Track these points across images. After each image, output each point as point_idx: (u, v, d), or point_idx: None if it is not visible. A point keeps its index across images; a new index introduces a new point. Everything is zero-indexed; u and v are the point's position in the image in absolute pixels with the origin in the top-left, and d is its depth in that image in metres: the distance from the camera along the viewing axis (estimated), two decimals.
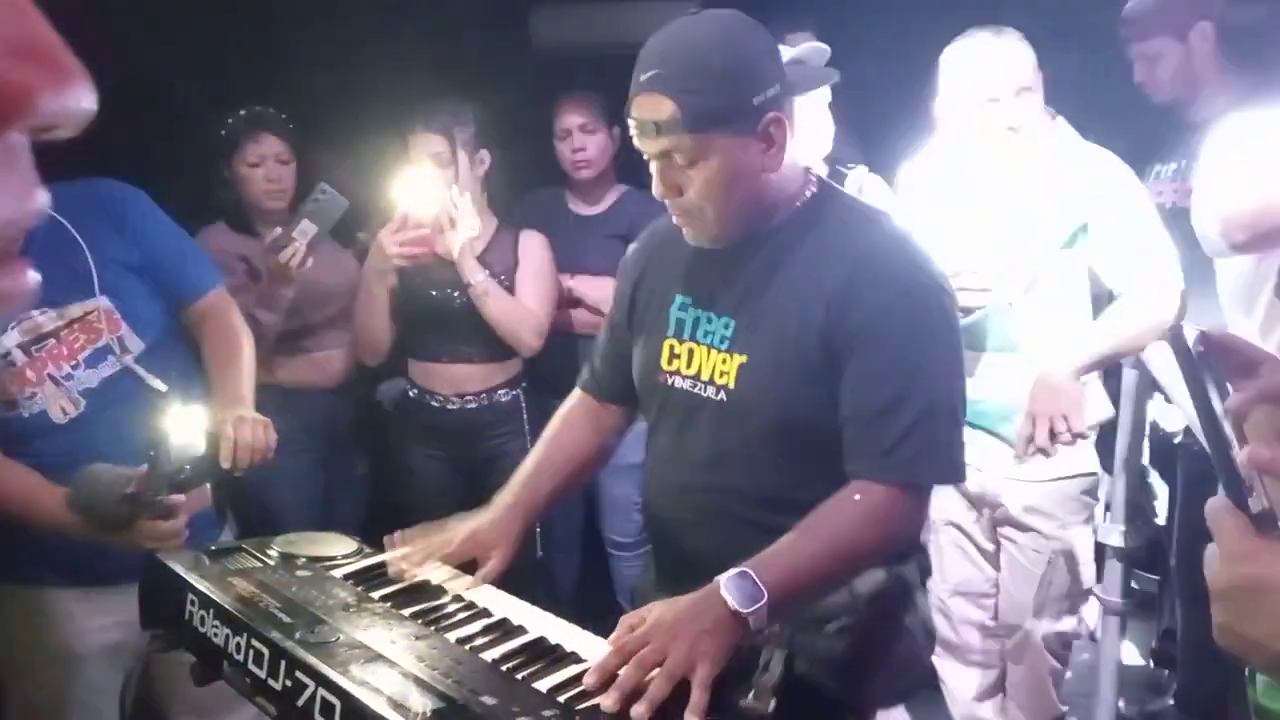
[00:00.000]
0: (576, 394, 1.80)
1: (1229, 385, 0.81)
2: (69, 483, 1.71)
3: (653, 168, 1.48)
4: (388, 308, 2.70)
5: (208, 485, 1.88)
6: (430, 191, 2.57)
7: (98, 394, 1.89)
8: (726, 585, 1.27)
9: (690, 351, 1.55)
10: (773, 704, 1.19)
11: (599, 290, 2.91)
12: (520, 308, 2.71)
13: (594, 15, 3.95)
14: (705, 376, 1.53)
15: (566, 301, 2.92)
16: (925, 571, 1.65)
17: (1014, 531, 2.42)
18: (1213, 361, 0.82)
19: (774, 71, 1.44)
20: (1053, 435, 2.14)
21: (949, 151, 2.39)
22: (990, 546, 2.47)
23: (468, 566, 1.56)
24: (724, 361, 1.51)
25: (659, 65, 1.40)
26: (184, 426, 1.66)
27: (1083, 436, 2.17)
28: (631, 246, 1.77)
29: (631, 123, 1.45)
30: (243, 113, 2.70)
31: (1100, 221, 2.20)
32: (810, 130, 2.08)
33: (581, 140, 2.95)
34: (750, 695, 1.24)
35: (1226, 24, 2.38)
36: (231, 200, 2.71)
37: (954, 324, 1.52)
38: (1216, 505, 0.78)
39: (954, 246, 2.25)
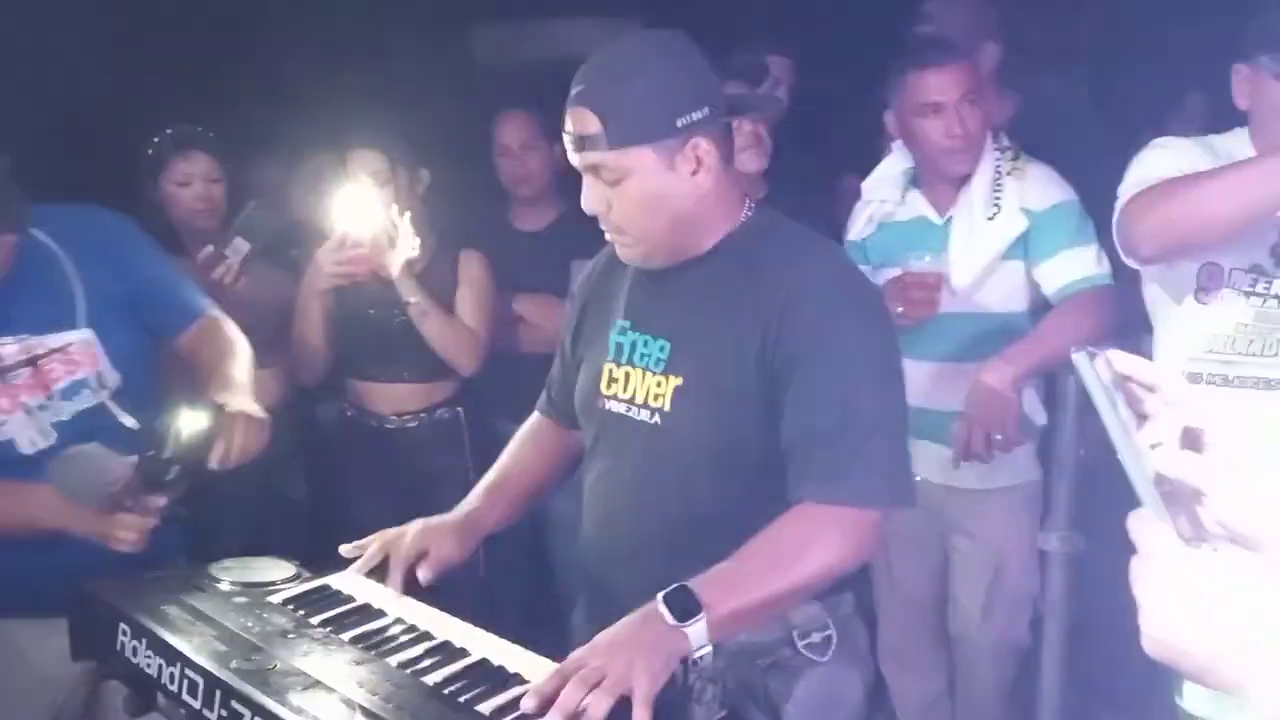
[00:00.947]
0: (535, 415, 1.79)
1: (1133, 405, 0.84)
2: (56, 458, 1.65)
3: (584, 183, 1.49)
4: (324, 327, 2.67)
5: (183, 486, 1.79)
6: (369, 210, 2.55)
7: (69, 427, 1.82)
8: (665, 600, 1.26)
9: (627, 375, 1.54)
10: None
11: (541, 308, 2.90)
12: (459, 328, 2.69)
13: (534, 32, 3.96)
14: (640, 400, 1.52)
15: (509, 320, 2.90)
16: (861, 605, 1.61)
17: (960, 539, 2.45)
18: (1119, 380, 0.84)
19: (703, 93, 1.44)
20: (988, 442, 2.16)
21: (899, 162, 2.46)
22: (938, 555, 2.50)
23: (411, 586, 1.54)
24: (659, 384, 1.50)
25: (585, 81, 1.43)
26: (189, 428, 1.61)
27: (1018, 444, 2.19)
28: (582, 271, 1.76)
29: (565, 137, 1.47)
30: (169, 131, 2.65)
31: (1038, 231, 2.25)
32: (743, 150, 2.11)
33: (522, 157, 2.94)
34: None
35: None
36: (160, 220, 2.65)
37: (893, 345, 1.52)
38: (1139, 517, 0.80)
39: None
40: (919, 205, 2.39)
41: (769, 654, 1.45)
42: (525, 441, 1.76)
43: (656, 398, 1.50)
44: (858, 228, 2.46)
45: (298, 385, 2.80)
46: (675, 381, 1.48)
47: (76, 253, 1.85)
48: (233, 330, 2.04)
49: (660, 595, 1.27)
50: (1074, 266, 2.20)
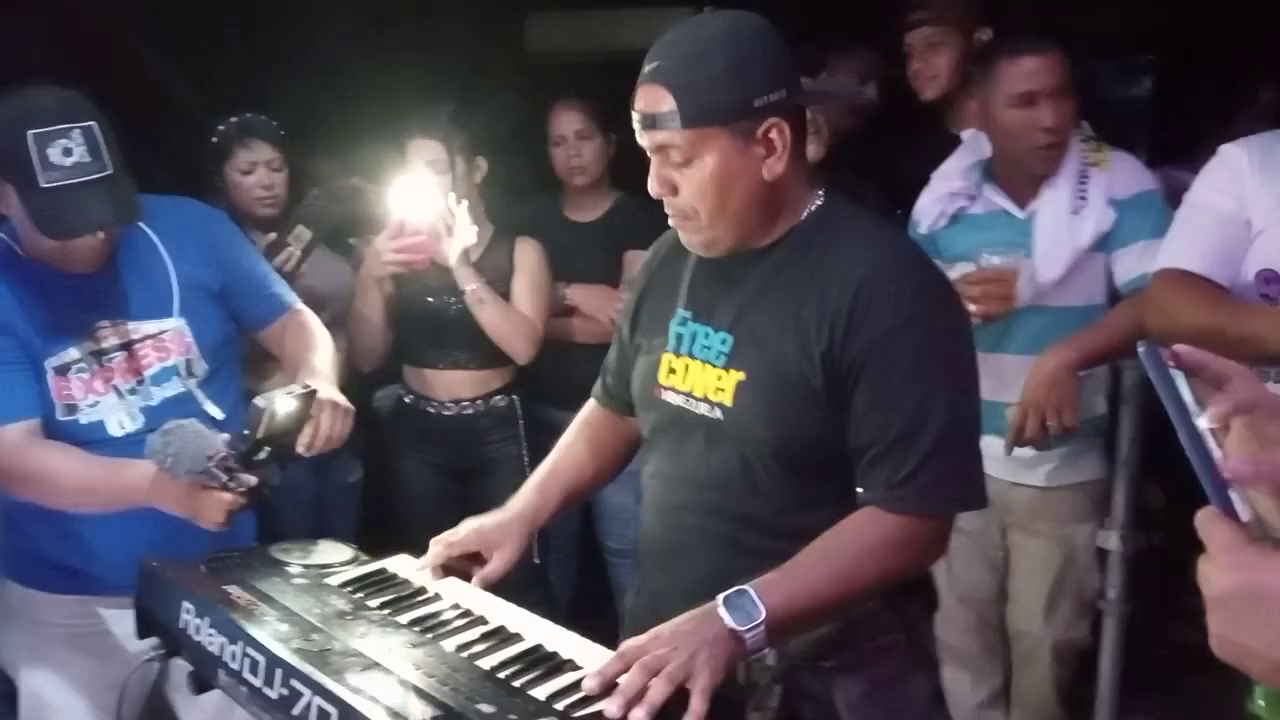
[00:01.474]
0: (591, 404, 1.77)
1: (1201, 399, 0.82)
2: (156, 431, 1.67)
3: (651, 164, 1.44)
4: (383, 314, 2.70)
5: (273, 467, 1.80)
6: (427, 198, 2.57)
7: (157, 412, 1.87)
8: (725, 602, 1.25)
9: (686, 367, 1.50)
10: None
11: (594, 298, 2.91)
12: (515, 315, 2.71)
13: (589, 22, 3.96)
14: (700, 394, 1.48)
15: (562, 310, 2.92)
16: (930, 606, 1.61)
17: (1024, 537, 2.41)
18: (1187, 376, 0.83)
19: (780, 76, 1.39)
20: (1043, 429, 2.13)
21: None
22: (999, 553, 2.46)
23: (467, 574, 1.56)
24: (719, 379, 1.46)
25: (662, 58, 1.39)
26: (284, 410, 1.63)
27: (1072, 431, 2.15)
28: (637, 254, 1.74)
29: (634, 116, 1.42)
30: (234, 120, 2.70)
31: (1119, 220, 2.22)
32: None
33: (576, 147, 2.95)
34: None
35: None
36: (223, 207, 2.70)
37: (967, 343, 1.47)
38: (1206, 515, 0.78)
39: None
40: (997, 199, 2.33)
41: (835, 656, 1.43)
42: (578, 435, 1.74)
43: (717, 392, 1.45)
44: (929, 220, 2.40)
45: (355, 371, 2.84)
46: (738, 376, 1.44)
47: (174, 243, 1.91)
48: (316, 324, 2.08)
49: (720, 598, 1.26)
50: (1149, 259, 2.11)
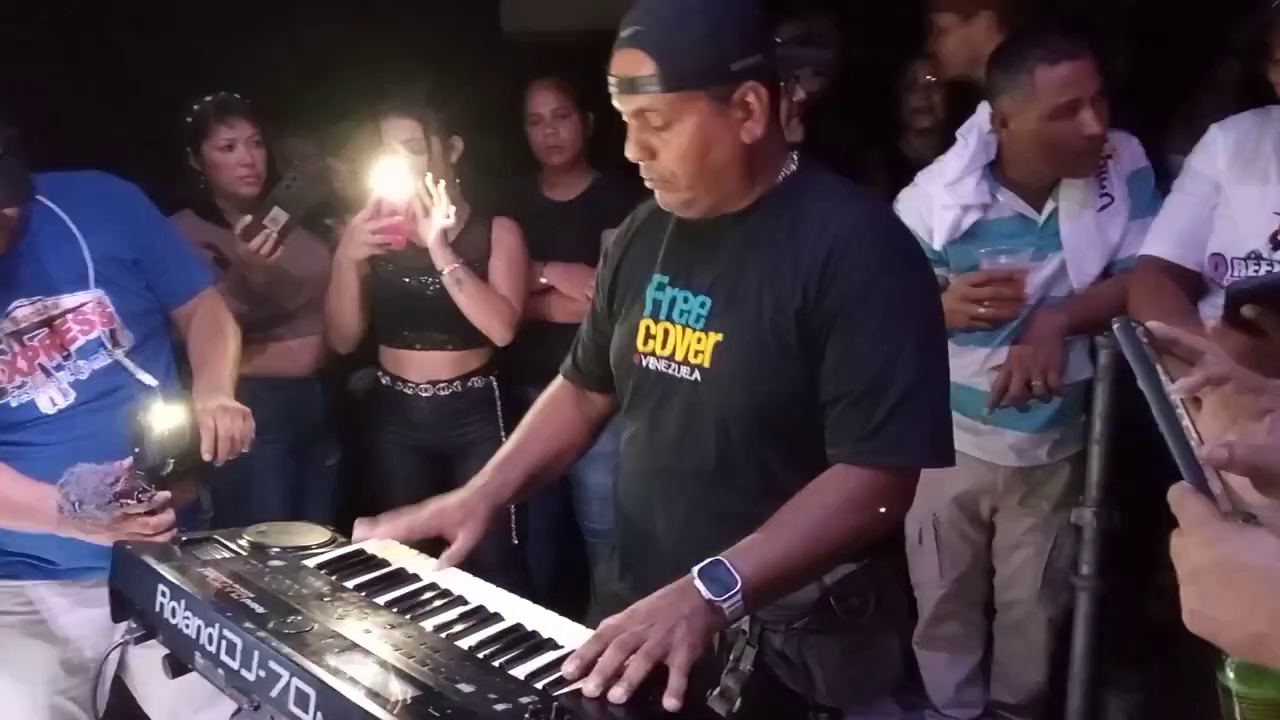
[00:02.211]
0: (559, 381, 1.78)
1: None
2: (56, 485, 1.70)
3: (628, 129, 1.45)
4: (360, 296, 2.68)
5: (191, 479, 1.87)
6: (405, 178, 2.56)
7: (87, 385, 1.88)
8: (700, 574, 1.26)
9: (666, 332, 1.52)
10: (738, 703, 1.20)
11: (572, 277, 2.90)
12: (493, 296, 2.70)
13: (564, 0, 3.92)
14: (680, 356, 1.50)
15: (540, 289, 2.91)
16: (897, 569, 1.63)
17: (1013, 515, 2.45)
18: (1160, 351, 0.84)
19: (756, 40, 1.42)
20: (1027, 389, 2.13)
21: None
22: (984, 533, 2.51)
23: (436, 550, 1.55)
24: (699, 341, 1.48)
25: (641, 23, 1.40)
26: (166, 421, 1.66)
27: (1057, 394, 2.16)
28: (614, 233, 1.74)
29: (610, 80, 1.43)
30: (210, 98, 2.67)
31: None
32: None
33: (554, 125, 2.93)
34: (716, 692, 1.24)
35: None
36: (199, 187, 2.67)
37: (935, 302, 1.51)
38: (1180, 490, 0.79)
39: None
40: (1013, 204, 2.25)
41: (807, 617, 1.46)
42: (544, 412, 1.74)
43: (696, 354, 1.48)
44: (943, 234, 2.27)
45: (332, 353, 2.82)
46: (715, 338, 1.46)
47: (82, 217, 1.90)
48: (225, 315, 2.10)
49: (695, 570, 1.27)
50: (1141, 239, 2.12)
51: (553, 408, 1.75)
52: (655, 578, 1.33)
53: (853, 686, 1.52)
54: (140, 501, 1.66)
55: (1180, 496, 0.79)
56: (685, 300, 1.51)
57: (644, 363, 1.55)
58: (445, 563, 1.52)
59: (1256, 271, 1.85)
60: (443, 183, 2.60)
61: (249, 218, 2.52)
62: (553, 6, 3.95)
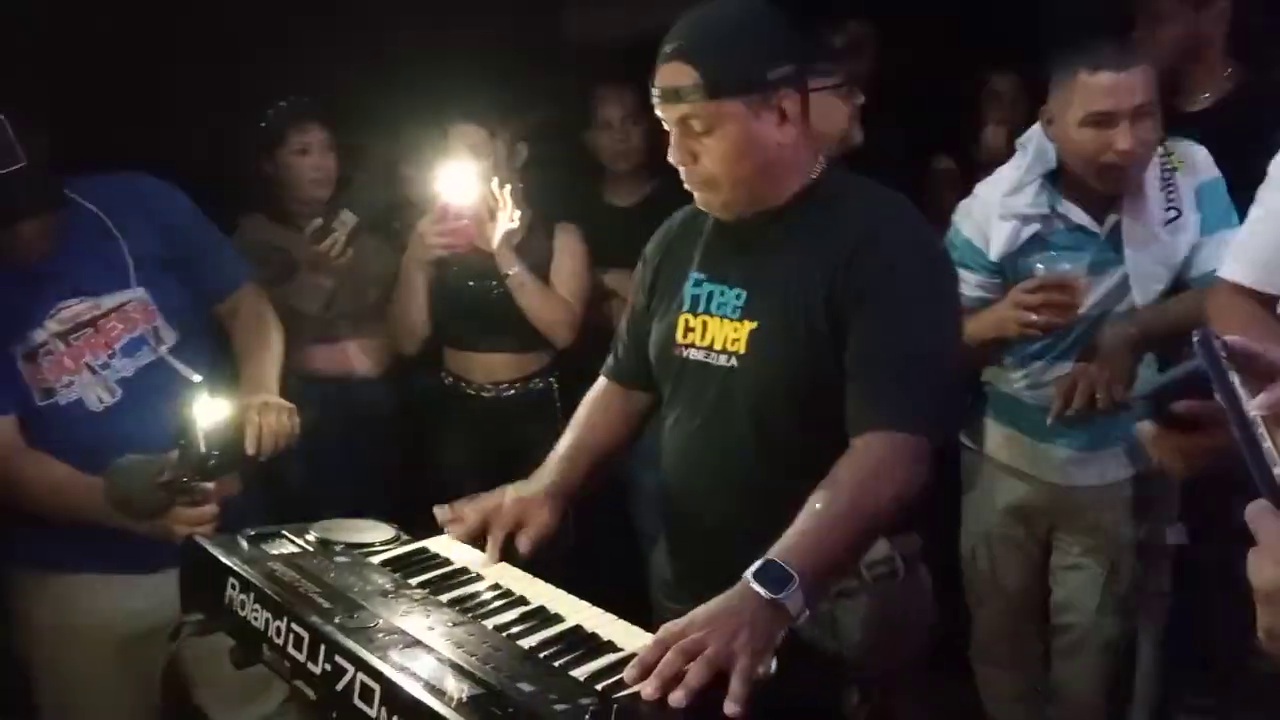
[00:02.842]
0: (602, 381, 1.84)
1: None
2: (103, 474, 1.74)
3: (671, 136, 1.56)
4: (425, 297, 2.72)
5: (236, 472, 1.90)
6: (470, 183, 2.59)
7: (133, 383, 1.93)
8: (755, 577, 1.26)
9: (704, 324, 1.61)
10: (774, 665, 1.19)
11: (632, 283, 2.91)
12: (556, 300, 2.72)
13: (629, 5, 3.94)
14: (718, 346, 1.58)
15: (601, 295, 2.92)
16: (927, 542, 1.67)
17: (1071, 534, 2.38)
18: (1239, 366, 0.82)
19: (791, 50, 1.54)
20: (1091, 400, 2.08)
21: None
22: (1042, 553, 2.44)
23: (506, 554, 1.58)
24: (735, 329, 1.57)
25: (683, 37, 1.51)
26: (211, 414, 1.70)
27: (1125, 408, 2.08)
28: (652, 238, 1.81)
29: (654, 92, 1.55)
30: (284, 103, 2.72)
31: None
32: (822, 116, 1.99)
33: (624, 131, 2.94)
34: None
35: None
36: (270, 191, 2.73)
37: (954, 288, 1.62)
38: (1258, 508, 0.77)
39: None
40: (1073, 216, 2.18)
41: (838, 584, 1.52)
42: (593, 409, 1.81)
43: (733, 342, 1.57)
44: (1000, 245, 2.21)
45: (397, 354, 2.86)
46: (750, 325, 1.55)
47: (121, 217, 1.95)
48: (268, 310, 2.14)
49: (749, 573, 1.27)
50: (1218, 253, 2.00)
51: (603, 405, 1.81)
52: (704, 561, 1.38)
53: (880, 652, 1.57)
54: (186, 493, 1.70)
55: (1257, 514, 0.77)
56: (722, 294, 1.60)
57: (685, 354, 1.63)
58: (526, 546, 1.57)
59: None
60: (508, 187, 2.63)
61: (319, 220, 2.57)
62: (616, 13, 3.97)
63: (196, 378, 1.95)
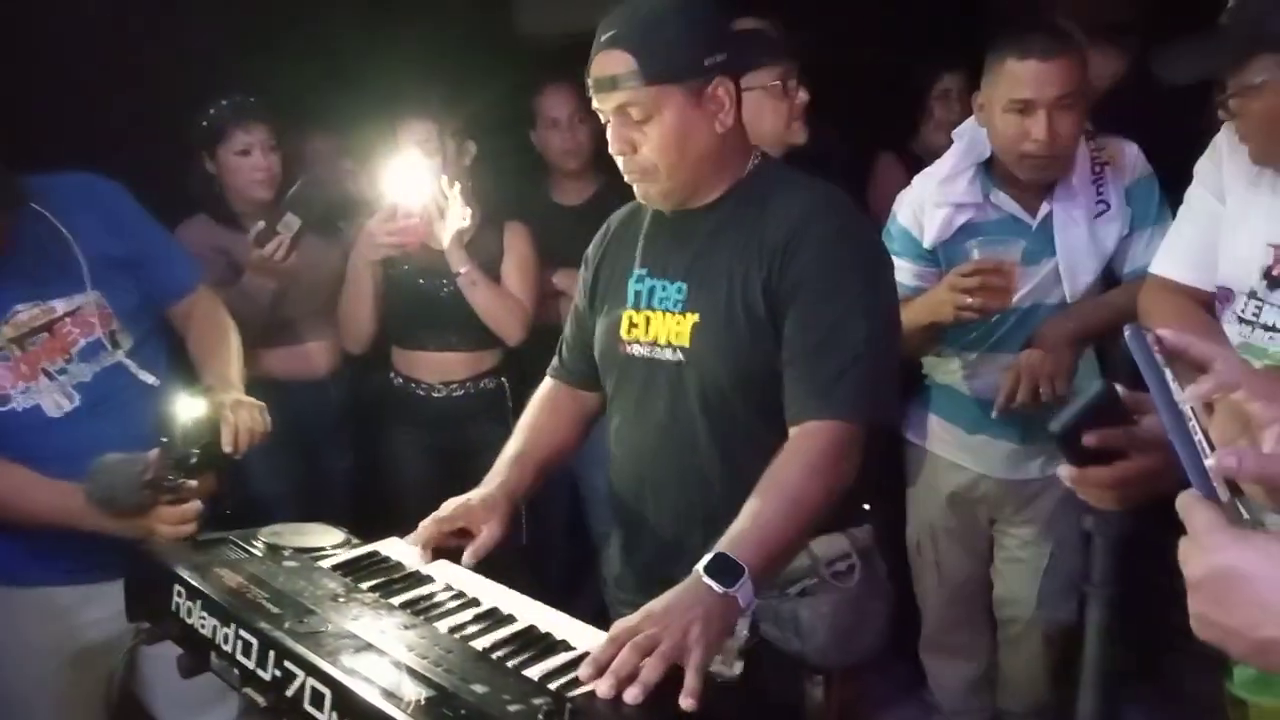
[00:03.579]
0: (548, 382, 1.86)
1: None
2: (86, 474, 1.71)
3: (609, 126, 1.57)
4: (373, 296, 2.69)
5: (213, 470, 1.86)
6: (420, 181, 2.57)
7: (91, 388, 1.89)
8: (707, 570, 1.28)
9: (648, 319, 1.63)
10: (739, 666, 1.22)
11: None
12: (507, 298, 2.72)
13: (578, 1, 3.93)
14: (662, 340, 1.60)
15: (551, 294, 2.92)
16: (878, 534, 1.69)
17: (1011, 527, 2.43)
18: (1171, 359, 0.84)
19: (724, 39, 1.58)
20: (1035, 395, 2.12)
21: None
22: (985, 544, 2.50)
23: (455, 555, 1.57)
24: (678, 323, 1.59)
25: (620, 25, 1.53)
26: (191, 412, 1.69)
27: (1064, 401, 2.11)
28: (592, 240, 1.83)
29: (590, 83, 1.56)
30: (225, 102, 2.68)
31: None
32: (763, 114, 2.04)
33: (571, 129, 2.94)
34: (718, 659, 1.25)
35: None
36: (213, 192, 2.69)
37: (889, 276, 1.62)
38: (1188, 498, 0.79)
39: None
40: (1005, 205, 2.20)
41: (797, 582, 1.55)
42: (540, 410, 1.82)
43: (677, 335, 1.58)
44: (933, 233, 2.23)
45: (344, 355, 2.83)
46: (693, 319, 1.58)
47: (73, 219, 1.89)
48: (222, 311, 2.11)
49: (700, 567, 1.29)
50: (1151, 251, 2.04)
51: (550, 406, 1.83)
52: (659, 557, 1.40)
53: (841, 647, 1.59)
54: (170, 491, 1.68)
55: (1188, 504, 0.79)
56: (663, 288, 1.62)
57: (629, 350, 1.65)
58: (470, 557, 1.55)
59: (1244, 313, 1.71)
60: (458, 185, 2.62)
61: (262, 223, 2.53)
62: (565, 9, 3.96)
63: (154, 382, 1.93)
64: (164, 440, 1.69)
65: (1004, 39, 2.12)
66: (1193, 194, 1.85)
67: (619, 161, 1.60)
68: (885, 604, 1.68)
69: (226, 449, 1.79)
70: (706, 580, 1.27)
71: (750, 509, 1.38)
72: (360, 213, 2.75)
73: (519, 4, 4.00)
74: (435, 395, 2.78)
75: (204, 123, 2.67)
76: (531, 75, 3.11)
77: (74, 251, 1.89)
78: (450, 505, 1.62)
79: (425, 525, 1.59)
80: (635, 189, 1.64)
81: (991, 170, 2.23)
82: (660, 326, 1.61)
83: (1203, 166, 1.83)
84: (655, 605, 1.26)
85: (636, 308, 1.65)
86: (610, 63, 1.53)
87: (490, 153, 2.88)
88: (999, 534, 2.47)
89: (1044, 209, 2.19)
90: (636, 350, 1.64)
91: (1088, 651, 2.29)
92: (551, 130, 2.96)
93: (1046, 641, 2.47)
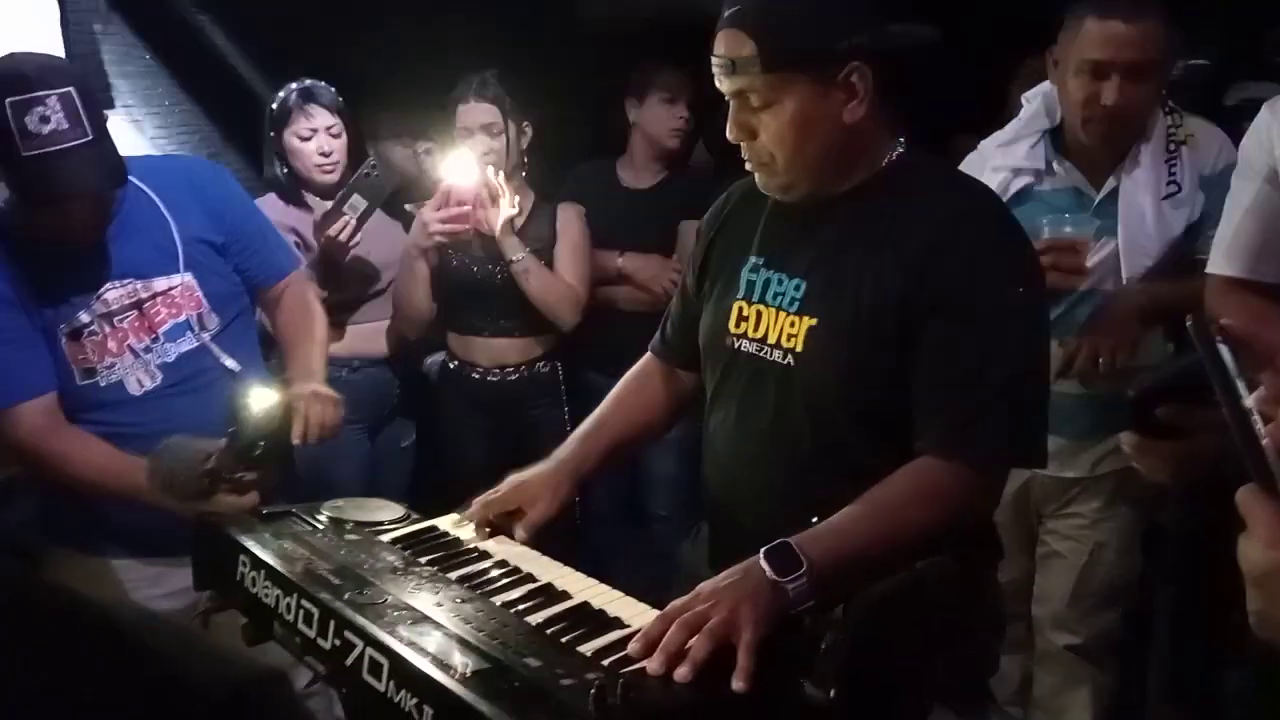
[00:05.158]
0: (647, 358, 1.77)
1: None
2: (150, 454, 1.74)
3: (729, 110, 1.44)
4: (428, 283, 2.72)
5: (276, 461, 1.88)
6: (473, 168, 2.59)
7: (174, 369, 1.92)
8: (766, 555, 1.25)
9: (759, 314, 1.50)
10: (833, 690, 1.16)
11: (649, 268, 2.91)
12: (560, 283, 2.72)
13: None
14: (772, 340, 1.47)
15: (614, 278, 2.92)
16: (997, 556, 1.56)
17: (1056, 521, 2.30)
18: (1234, 351, 0.82)
19: (862, 18, 1.39)
20: (1095, 364, 2.01)
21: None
22: (1030, 543, 2.36)
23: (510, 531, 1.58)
24: (792, 325, 1.45)
25: (742, 2, 1.38)
26: (261, 404, 1.67)
27: (1127, 373, 2.00)
28: (693, 225, 1.72)
29: (714, 60, 1.42)
30: (294, 86, 2.73)
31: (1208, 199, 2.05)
32: None
33: (683, 110, 2.91)
34: (811, 680, 1.23)
35: None
36: (283, 172, 2.74)
37: (1039, 298, 1.46)
38: (1249, 493, 0.78)
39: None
40: (1069, 176, 2.09)
41: (899, 610, 1.40)
42: (630, 387, 1.74)
43: (789, 338, 1.45)
44: None
45: (403, 339, 2.87)
46: (809, 322, 1.44)
47: (174, 200, 1.93)
48: (313, 299, 2.12)
49: (762, 550, 1.27)
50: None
51: (640, 383, 1.74)
52: (745, 555, 1.29)
53: (946, 676, 1.49)
54: (228, 481, 1.68)
55: (1249, 499, 0.77)
56: (780, 282, 1.48)
57: (736, 345, 1.52)
58: (520, 533, 1.54)
59: None
60: (502, 174, 2.63)
61: (329, 204, 2.58)
62: None
63: (236, 366, 1.95)
64: (231, 430, 1.68)
65: None
66: (1241, 181, 1.75)
67: (741, 149, 1.46)
68: (997, 632, 1.56)
69: (295, 441, 1.80)
70: (762, 563, 1.25)
71: (840, 515, 1.31)
72: (427, 195, 2.78)
73: None
74: (490, 380, 2.80)
75: (273, 105, 2.72)
76: (591, 58, 3.11)
77: (171, 233, 1.92)
78: (505, 485, 1.61)
79: (476, 507, 1.58)
80: (756, 179, 1.49)
81: (1058, 138, 2.11)
82: (772, 324, 1.48)
83: (1249, 152, 1.73)
84: (706, 584, 1.24)
85: (749, 299, 1.51)
86: (729, 43, 1.38)
87: (551, 134, 2.89)
88: (1043, 530, 2.33)
89: (1109, 184, 2.08)
90: (744, 345, 1.51)
91: (1156, 643, 2.21)
92: (663, 107, 2.93)
93: (1077, 653, 2.30)
